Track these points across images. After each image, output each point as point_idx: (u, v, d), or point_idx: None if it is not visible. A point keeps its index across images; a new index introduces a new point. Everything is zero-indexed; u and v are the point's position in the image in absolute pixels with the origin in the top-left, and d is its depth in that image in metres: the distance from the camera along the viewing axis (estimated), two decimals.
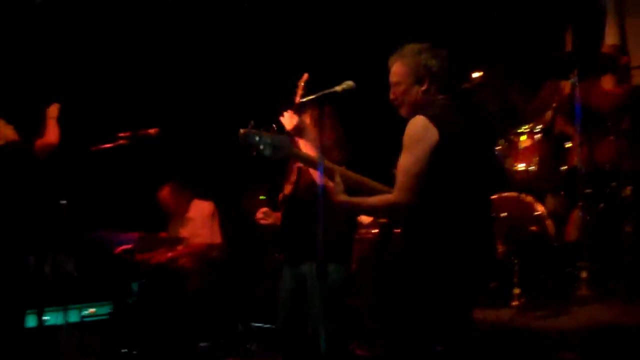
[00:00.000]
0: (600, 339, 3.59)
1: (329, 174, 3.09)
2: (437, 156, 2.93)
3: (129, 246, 5.25)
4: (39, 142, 4.85)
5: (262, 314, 5.88)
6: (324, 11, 6.45)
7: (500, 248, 4.39)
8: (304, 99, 3.18)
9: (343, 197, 3.06)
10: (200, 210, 5.85)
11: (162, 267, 5.55)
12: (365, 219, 5.40)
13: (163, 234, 5.84)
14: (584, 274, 4.10)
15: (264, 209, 4.15)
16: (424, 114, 2.99)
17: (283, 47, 6.52)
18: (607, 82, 5.03)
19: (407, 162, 2.94)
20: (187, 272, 5.61)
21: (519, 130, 4.71)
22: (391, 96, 3.25)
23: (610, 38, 5.66)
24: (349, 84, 3.25)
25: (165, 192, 5.84)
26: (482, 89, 4.80)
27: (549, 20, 5.60)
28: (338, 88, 3.24)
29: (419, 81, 3.17)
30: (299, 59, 6.45)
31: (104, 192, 6.10)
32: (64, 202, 4.55)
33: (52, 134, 4.83)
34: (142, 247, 5.38)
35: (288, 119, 3.72)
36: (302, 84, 3.83)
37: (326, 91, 3.23)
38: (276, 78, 6.43)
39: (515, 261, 4.28)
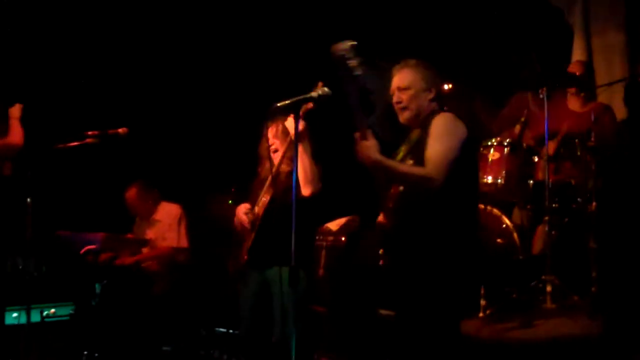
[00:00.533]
0: (564, 352, 3.64)
1: (364, 135, 3.17)
2: (462, 151, 3.17)
3: (94, 246, 5.16)
4: (1, 142, 4.77)
5: (225, 319, 5.86)
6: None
7: None
8: (280, 104, 3.16)
9: (378, 156, 3.15)
10: (168, 212, 5.79)
11: (126, 269, 5.48)
12: (332, 226, 5.42)
13: (129, 235, 5.77)
14: (549, 287, 4.14)
15: (247, 206, 4.13)
16: (448, 113, 3.27)
17: (253, 46, 6.52)
18: (573, 101, 5.11)
19: (441, 148, 3.15)
20: (152, 275, 5.55)
21: (487, 143, 4.75)
22: (395, 99, 3.37)
23: (577, 55, 5.76)
24: (324, 90, 3.27)
25: (132, 193, 5.76)
26: (449, 100, 4.90)
27: (517, 36, 5.68)
28: (314, 93, 3.27)
29: (428, 89, 3.34)
30: (269, 59, 6.48)
31: (70, 191, 6.02)
32: (29, 200, 4.46)
33: (15, 134, 4.76)
34: (107, 248, 5.30)
35: (291, 124, 3.72)
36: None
37: (301, 97, 3.25)
38: (247, 78, 6.49)
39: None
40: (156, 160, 6.41)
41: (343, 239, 5.26)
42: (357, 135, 3.16)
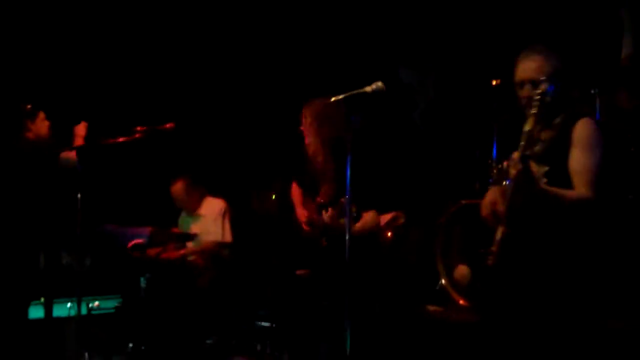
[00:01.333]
0: None
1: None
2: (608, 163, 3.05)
3: (141, 240, 5.20)
4: (65, 155, 4.87)
5: (267, 313, 5.88)
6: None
7: None
8: (334, 99, 3.13)
9: (544, 186, 2.96)
10: (212, 207, 5.82)
11: (172, 263, 5.52)
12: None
13: (175, 230, 5.80)
14: None
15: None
16: (591, 118, 3.06)
17: (302, 43, 6.51)
18: (622, 99, 4.99)
19: (593, 161, 2.98)
20: (197, 269, 5.57)
21: None
22: (524, 93, 3.13)
23: (626, 48, 5.64)
24: (379, 85, 3.23)
25: (178, 187, 5.80)
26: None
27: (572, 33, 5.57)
28: (368, 88, 3.23)
29: (559, 81, 3.08)
30: (317, 56, 6.47)
31: (116, 186, 6.07)
32: (79, 195, 4.50)
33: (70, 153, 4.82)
34: (154, 242, 5.33)
35: None
36: None
37: (355, 91, 3.21)
38: (295, 75, 6.47)
39: None
40: (200, 155, 6.44)
41: (389, 234, 5.24)
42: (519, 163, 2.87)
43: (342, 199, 3.97)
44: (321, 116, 4.31)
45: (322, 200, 4.20)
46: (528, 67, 3.11)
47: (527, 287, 3.17)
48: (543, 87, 3.03)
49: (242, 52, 6.65)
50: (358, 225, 4.05)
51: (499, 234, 3.20)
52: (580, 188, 2.98)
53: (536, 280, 3.13)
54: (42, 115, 4.87)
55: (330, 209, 4.07)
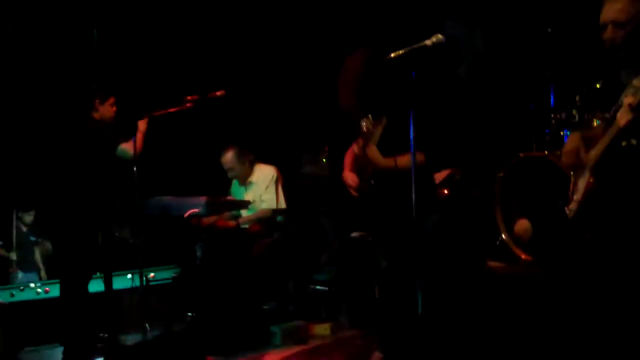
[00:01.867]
0: None
1: None
2: None
3: (197, 210, 5.20)
4: (124, 146, 5.06)
5: (321, 277, 5.89)
6: None
7: None
8: (394, 55, 3.05)
9: None
10: (264, 174, 5.78)
11: (228, 231, 5.52)
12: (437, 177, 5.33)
13: (230, 198, 5.79)
14: None
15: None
16: None
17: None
18: None
19: None
20: (253, 236, 5.57)
21: None
22: (608, 35, 2.94)
23: None
24: (439, 37, 3.13)
25: (228, 156, 5.77)
26: None
27: None
28: (428, 42, 3.13)
29: None
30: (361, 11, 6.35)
31: (167, 156, 6.09)
32: (135, 168, 4.53)
33: (139, 146, 4.99)
34: (209, 211, 5.33)
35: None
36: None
37: (416, 45, 3.12)
38: (341, 33, 6.37)
39: None
40: (249, 123, 6.41)
41: (446, 191, 5.17)
42: None
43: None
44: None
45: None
46: (611, 7, 2.92)
47: (608, 242, 3.03)
48: (610, 31, 2.90)
49: (289, 16, 6.56)
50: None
51: (581, 184, 3.11)
52: None
53: (618, 234, 2.99)
54: (112, 99, 5.09)
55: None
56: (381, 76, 3.92)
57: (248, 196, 5.75)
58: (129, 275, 5.90)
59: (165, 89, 5.60)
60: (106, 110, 5.05)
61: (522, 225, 5.06)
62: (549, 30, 5.11)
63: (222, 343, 4.85)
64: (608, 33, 2.93)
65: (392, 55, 3.07)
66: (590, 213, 3.06)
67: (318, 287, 5.92)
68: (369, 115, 3.99)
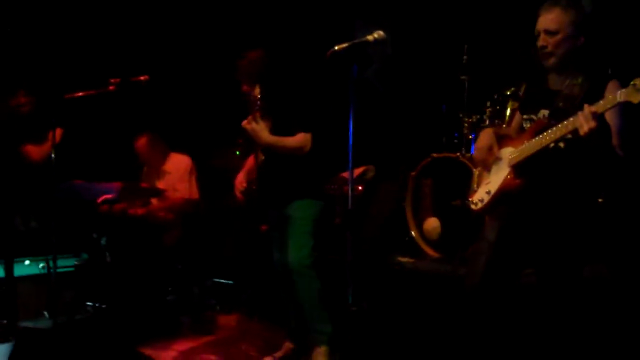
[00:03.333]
0: None
1: None
2: None
3: (110, 196, 5.09)
4: (29, 149, 5.13)
5: (227, 271, 5.88)
6: None
7: None
8: (338, 48, 3.11)
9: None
10: (178, 163, 5.71)
11: (139, 219, 5.42)
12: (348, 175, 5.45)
13: (144, 185, 5.69)
14: None
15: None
16: (618, 81, 3.02)
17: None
18: None
19: (625, 122, 2.99)
20: (164, 225, 5.50)
21: None
22: (540, 43, 3.15)
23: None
24: (380, 33, 3.22)
25: (142, 142, 5.67)
26: None
27: None
28: (370, 37, 3.21)
29: (578, 35, 3.12)
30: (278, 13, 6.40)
31: (84, 141, 5.92)
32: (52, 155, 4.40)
33: (40, 153, 5.07)
34: (123, 197, 5.22)
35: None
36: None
37: (358, 40, 3.19)
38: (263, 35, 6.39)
39: None
40: (164, 111, 6.32)
41: (360, 187, 5.31)
42: None
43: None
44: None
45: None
46: (545, 17, 3.14)
47: (521, 232, 3.25)
48: (542, 39, 3.13)
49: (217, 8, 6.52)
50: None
51: (493, 178, 3.31)
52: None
53: (532, 224, 3.21)
54: (21, 93, 5.09)
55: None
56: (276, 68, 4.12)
57: (161, 184, 5.67)
58: (27, 262, 5.68)
59: (88, 71, 5.44)
60: (17, 103, 4.95)
61: (431, 223, 5.28)
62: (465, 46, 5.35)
63: (129, 332, 4.78)
64: (541, 41, 3.15)
65: (337, 48, 3.13)
66: (500, 206, 3.27)
67: (222, 280, 5.92)
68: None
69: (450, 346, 3.92)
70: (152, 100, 6.10)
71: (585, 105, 2.82)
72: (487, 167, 3.39)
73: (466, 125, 5.21)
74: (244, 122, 3.97)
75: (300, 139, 4.00)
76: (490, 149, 3.34)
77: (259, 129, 3.92)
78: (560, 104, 3.10)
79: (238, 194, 4.32)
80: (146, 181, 5.80)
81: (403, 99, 6.08)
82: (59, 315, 4.98)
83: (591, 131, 2.79)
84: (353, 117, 3.17)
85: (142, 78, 4.48)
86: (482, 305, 3.28)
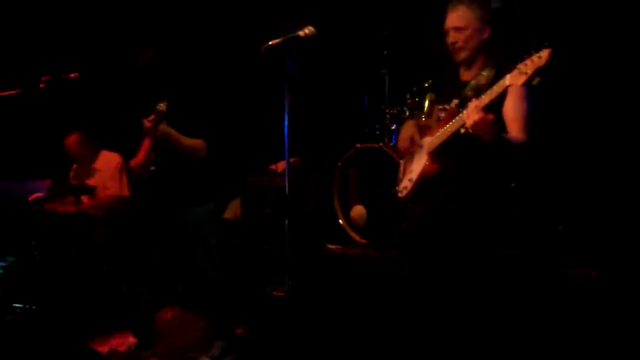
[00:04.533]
0: None
1: None
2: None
3: (41, 194, 5.07)
4: None
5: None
6: None
7: None
8: (272, 43, 3.23)
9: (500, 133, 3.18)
10: (108, 161, 5.72)
11: (69, 216, 5.41)
12: (277, 167, 5.61)
13: (74, 182, 5.67)
14: None
15: None
16: None
17: None
18: None
19: (526, 109, 3.26)
20: (95, 223, 5.50)
21: None
22: (450, 39, 3.40)
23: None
24: (310, 29, 3.32)
25: (72, 140, 5.66)
26: None
27: None
28: (301, 33, 3.30)
29: (483, 28, 3.38)
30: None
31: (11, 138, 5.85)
32: None
33: None
34: (53, 195, 5.21)
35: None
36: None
37: (289, 36, 3.30)
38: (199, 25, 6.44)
39: None
40: (94, 108, 6.30)
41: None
42: None
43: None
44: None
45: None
46: (452, 15, 3.43)
47: (440, 218, 3.45)
48: (452, 36, 3.40)
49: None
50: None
51: (415, 166, 3.54)
52: (518, 134, 3.27)
53: (448, 210, 3.42)
54: None
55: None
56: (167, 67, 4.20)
57: (91, 182, 5.66)
58: None
59: (15, 68, 5.39)
60: None
61: (358, 210, 5.49)
62: (385, 32, 5.57)
63: (62, 332, 4.77)
64: (451, 37, 3.43)
65: (270, 43, 3.25)
66: (423, 191, 3.50)
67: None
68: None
69: (380, 328, 4.17)
70: (82, 98, 6.07)
71: (472, 100, 3.11)
72: (410, 157, 3.63)
73: (388, 116, 5.44)
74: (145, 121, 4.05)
75: (198, 143, 4.14)
76: (412, 139, 3.59)
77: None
78: (469, 93, 3.36)
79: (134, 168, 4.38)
80: (76, 179, 5.78)
81: (326, 93, 6.25)
82: None
83: (475, 123, 3.05)
84: (286, 110, 3.27)
85: (72, 75, 4.52)
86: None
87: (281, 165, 5.54)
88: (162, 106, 4.04)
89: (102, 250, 5.51)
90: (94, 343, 4.61)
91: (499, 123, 3.23)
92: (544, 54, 2.89)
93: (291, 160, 5.45)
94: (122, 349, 4.44)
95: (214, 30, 6.51)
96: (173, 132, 4.07)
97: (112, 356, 4.36)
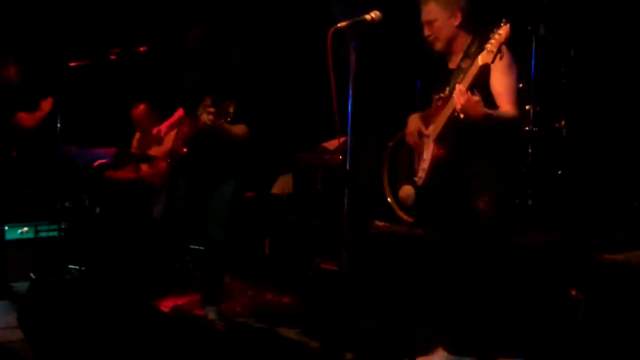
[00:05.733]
0: None
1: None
2: None
3: (105, 160, 5.28)
4: (21, 117, 5.21)
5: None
6: None
7: None
8: (340, 25, 3.33)
9: (487, 109, 3.33)
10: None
11: (129, 184, 5.60)
12: (329, 145, 5.76)
13: (137, 151, 5.88)
14: None
15: None
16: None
17: None
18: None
19: (511, 82, 3.47)
20: (153, 191, 5.69)
21: None
22: (426, 32, 3.60)
23: None
24: (377, 13, 3.35)
25: (140, 110, 5.86)
26: None
27: None
28: (367, 16, 3.33)
29: (453, 15, 3.55)
30: None
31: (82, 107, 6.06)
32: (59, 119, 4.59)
33: (32, 121, 5.17)
34: (116, 163, 5.42)
35: None
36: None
37: (356, 19, 3.33)
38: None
39: None
40: (161, 81, 6.47)
41: (340, 157, 5.60)
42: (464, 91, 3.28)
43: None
44: None
45: None
46: (424, 10, 3.62)
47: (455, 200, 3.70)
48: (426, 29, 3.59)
49: None
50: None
51: (426, 155, 3.71)
52: (506, 106, 3.45)
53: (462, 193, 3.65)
54: (9, 61, 5.17)
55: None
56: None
57: (154, 152, 5.85)
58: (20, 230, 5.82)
59: (88, 40, 5.59)
60: (11, 71, 5.12)
61: (406, 190, 5.59)
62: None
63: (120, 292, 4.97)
64: (426, 31, 3.63)
65: (339, 25, 3.36)
66: (437, 176, 3.68)
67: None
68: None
69: (424, 303, 4.33)
70: (150, 71, 6.24)
71: (457, 86, 3.30)
72: (421, 148, 3.79)
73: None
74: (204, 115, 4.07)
75: (243, 131, 4.21)
76: (418, 132, 3.77)
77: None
78: (456, 79, 3.51)
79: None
80: (138, 148, 5.99)
81: (381, 75, 6.35)
82: (48, 276, 5.18)
83: (463, 106, 3.24)
84: (350, 91, 3.38)
85: (141, 49, 4.72)
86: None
87: (333, 144, 5.69)
88: (230, 106, 3.96)
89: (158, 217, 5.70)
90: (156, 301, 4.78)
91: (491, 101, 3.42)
92: (504, 30, 3.13)
93: (344, 138, 5.70)
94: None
95: (267, 8, 6.60)
96: (227, 126, 4.09)
97: (175, 312, 4.54)
